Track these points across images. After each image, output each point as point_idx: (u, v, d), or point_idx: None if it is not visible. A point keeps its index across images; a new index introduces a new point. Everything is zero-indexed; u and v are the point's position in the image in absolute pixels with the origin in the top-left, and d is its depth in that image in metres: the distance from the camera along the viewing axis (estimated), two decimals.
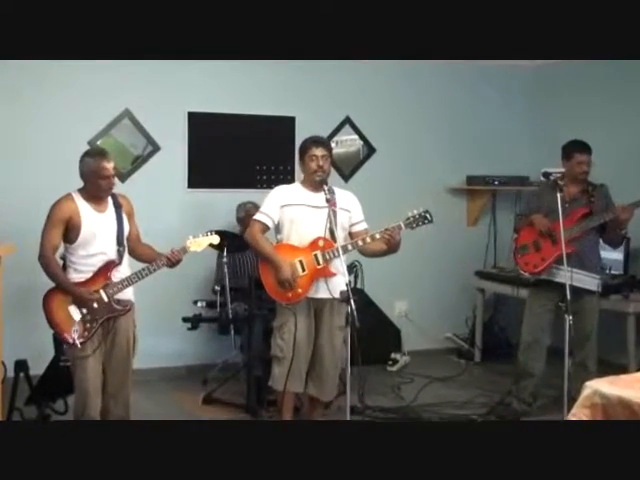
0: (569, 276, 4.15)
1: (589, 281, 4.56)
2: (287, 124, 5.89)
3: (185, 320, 5.13)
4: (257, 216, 4.21)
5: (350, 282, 3.69)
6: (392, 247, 4.03)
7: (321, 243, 4.06)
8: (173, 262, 3.88)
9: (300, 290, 4.06)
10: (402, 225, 3.97)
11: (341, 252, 3.80)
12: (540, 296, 4.71)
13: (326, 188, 3.89)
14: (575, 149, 4.61)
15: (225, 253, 5.04)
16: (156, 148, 5.65)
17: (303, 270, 4.06)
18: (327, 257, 4.04)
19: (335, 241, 3.88)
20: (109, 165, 3.77)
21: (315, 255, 4.04)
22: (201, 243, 3.99)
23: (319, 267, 4.05)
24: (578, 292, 4.41)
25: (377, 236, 4.00)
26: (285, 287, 4.01)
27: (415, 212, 4.00)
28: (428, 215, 4.02)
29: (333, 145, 5.99)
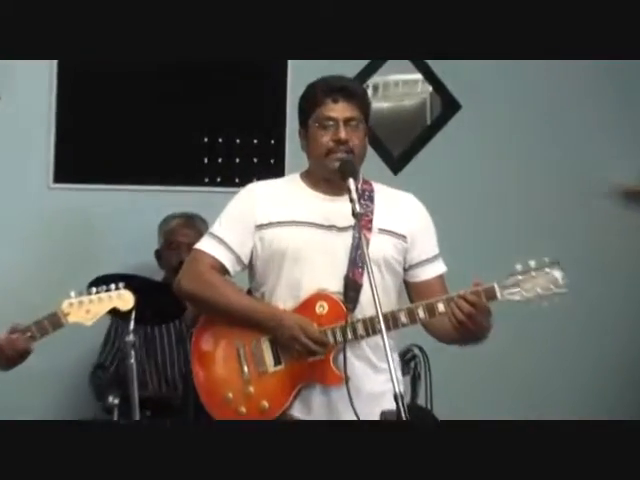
0: None
1: None
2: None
3: None
4: (204, 244, 3.26)
5: (402, 393, 2.73)
6: (468, 334, 3.07)
7: (321, 309, 3.09)
8: (8, 355, 3.04)
9: (266, 403, 3.11)
10: (496, 290, 2.96)
11: (383, 329, 2.75)
12: None
13: (353, 187, 2.95)
14: None
15: (132, 326, 3.77)
16: None
17: (277, 362, 3.12)
18: (333, 338, 3.09)
19: (354, 307, 3.03)
20: None
21: None
22: (95, 309, 3.12)
23: (312, 360, 3.03)
24: None
25: (441, 308, 3.06)
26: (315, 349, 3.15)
27: (532, 265, 2.96)
28: (557, 274, 2.92)
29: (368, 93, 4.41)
